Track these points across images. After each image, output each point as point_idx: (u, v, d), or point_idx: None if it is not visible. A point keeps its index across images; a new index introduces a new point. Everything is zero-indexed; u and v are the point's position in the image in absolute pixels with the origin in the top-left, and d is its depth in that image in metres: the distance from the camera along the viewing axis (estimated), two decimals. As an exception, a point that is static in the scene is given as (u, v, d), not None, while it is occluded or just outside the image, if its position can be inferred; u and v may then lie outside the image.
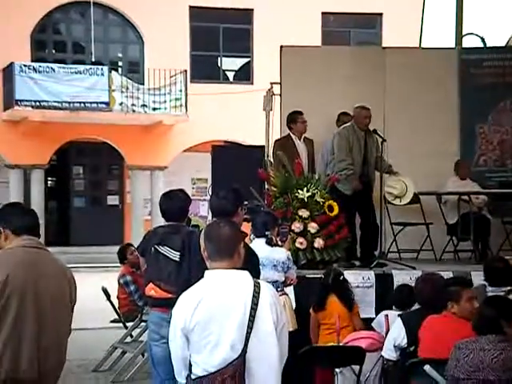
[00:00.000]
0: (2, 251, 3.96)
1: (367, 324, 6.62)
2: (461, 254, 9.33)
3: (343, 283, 6.66)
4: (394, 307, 6.43)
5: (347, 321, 6.45)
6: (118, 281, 9.22)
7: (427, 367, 4.87)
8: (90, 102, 20.24)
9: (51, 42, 22.71)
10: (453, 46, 11.41)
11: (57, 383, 4.00)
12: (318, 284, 6.77)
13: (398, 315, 5.67)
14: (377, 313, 6.85)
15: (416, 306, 5.75)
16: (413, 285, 6.05)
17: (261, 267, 5.12)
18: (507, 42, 18.99)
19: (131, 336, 8.89)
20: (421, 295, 5.50)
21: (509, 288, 5.93)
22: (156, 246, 5.75)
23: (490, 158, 10.41)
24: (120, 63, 23.17)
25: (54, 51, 22.70)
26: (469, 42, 17.62)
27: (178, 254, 5.50)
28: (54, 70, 20.08)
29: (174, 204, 5.85)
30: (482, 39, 19.00)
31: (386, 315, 6.23)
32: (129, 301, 9.11)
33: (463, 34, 12.24)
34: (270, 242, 6.46)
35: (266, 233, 6.48)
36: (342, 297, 6.51)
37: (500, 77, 10.29)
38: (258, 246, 6.03)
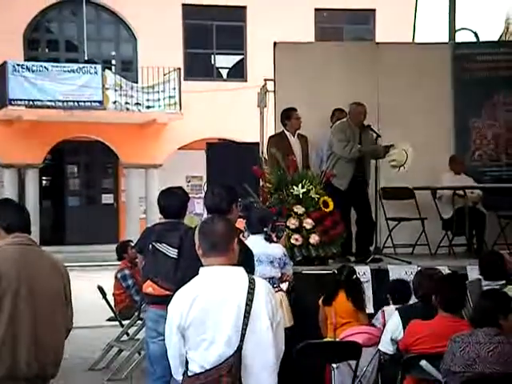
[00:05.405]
0: None
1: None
2: (456, 249, 9.32)
3: (355, 282, 6.62)
4: (391, 302, 6.42)
5: (351, 317, 6.42)
6: (116, 276, 9.20)
7: (423, 362, 4.87)
8: (84, 101, 20.19)
9: (44, 41, 22.65)
10: (446, 40, 11.40)
11: (53, 380, 3.97)
12: (330, 279, 6.75)
13: (396, 308, 5.67)
14: (374, 307, 6.85)
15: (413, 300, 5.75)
16: (409, 279, 6.03)
17: (257, 263, 5.11)
18: (500, 37, 19.04)
19: (127, 334, 8.87)
20: (420, 290, 5.50)
21: (503, 282, 5.94)
22: (154, 243, 5.74)
23: (484, 153, 10.40)
24: (113, 61, 23.10)
25: (47, 50, 22.64)
26: (462, 37, 17.68)
27: (176, 251, 5.48)
28: (47, 69, 20.01)
29: (174, 201, 5.86)
30: (475, 34, 19.07)
31: (383, 310, 6.23)
32: (125, 296, 9.09)
33: (456, 28, 12.24)
34: (268, 238, 6.45)
35: (264, 229, 6.46)
36: (351, 294, 6.47)
37: (493, 71, 10.28)
38: (255, 242, 6.02)
